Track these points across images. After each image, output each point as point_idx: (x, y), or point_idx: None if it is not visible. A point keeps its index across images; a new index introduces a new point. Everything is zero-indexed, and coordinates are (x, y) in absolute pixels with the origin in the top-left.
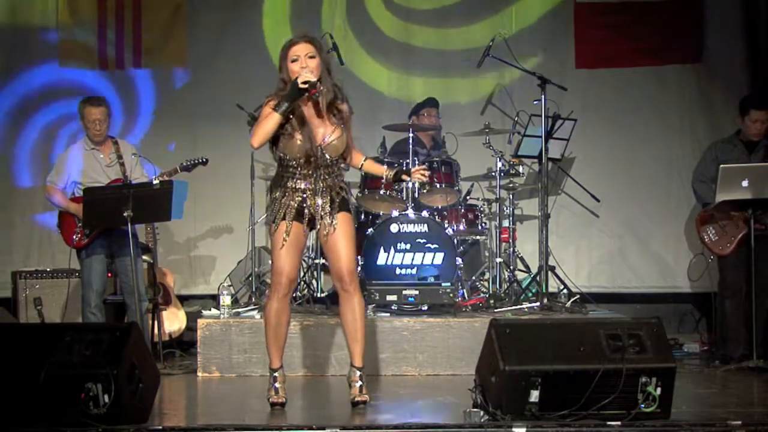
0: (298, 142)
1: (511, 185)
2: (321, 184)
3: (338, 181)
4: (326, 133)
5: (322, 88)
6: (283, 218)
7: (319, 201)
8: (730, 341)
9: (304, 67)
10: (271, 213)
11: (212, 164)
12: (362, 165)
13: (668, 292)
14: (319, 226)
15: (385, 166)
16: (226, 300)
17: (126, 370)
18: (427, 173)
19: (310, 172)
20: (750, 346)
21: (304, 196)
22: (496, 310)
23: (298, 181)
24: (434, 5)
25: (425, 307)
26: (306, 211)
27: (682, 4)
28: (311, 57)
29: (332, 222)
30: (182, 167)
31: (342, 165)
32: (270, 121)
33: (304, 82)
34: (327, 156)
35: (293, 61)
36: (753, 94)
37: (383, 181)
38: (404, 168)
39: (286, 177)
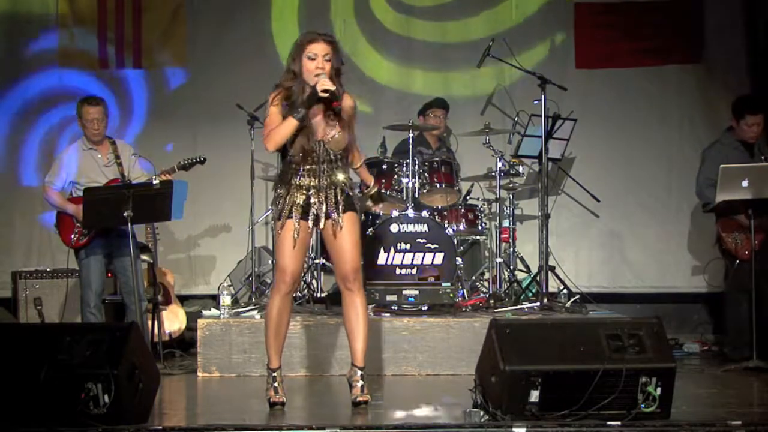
0: (299, 137)
1: (511, 185)
2: (325, 181)
3: (343, 178)
4: (327, 128)
5: (339, 105)
6: (290, 216)
7: (324, 198)
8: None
9: (320, 68)
10: (276, 210)
11: (212, 164)
12: (359, 167)
13: (668, 292)
14: (323, 225)
15: (373, 181)
16: (226, 300)
17: (126, 370)
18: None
19: (313, 167)
20: (751, 346)
21: (309, 193)
22: (496, 310)
23: (302, 177)
24: (435, 2)
25: (425, 307)
26: (311, 209)
27: (682, 4)
28: (328, 60)
29: (339, 221)
30: (180, 166)
31: (345, 161)
32: (288, 126)
33: (325, 91)
34: (329, 151)
35: (310, 58)
36: (746, 97)
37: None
38: (383, 192)
39: (290, 174)
